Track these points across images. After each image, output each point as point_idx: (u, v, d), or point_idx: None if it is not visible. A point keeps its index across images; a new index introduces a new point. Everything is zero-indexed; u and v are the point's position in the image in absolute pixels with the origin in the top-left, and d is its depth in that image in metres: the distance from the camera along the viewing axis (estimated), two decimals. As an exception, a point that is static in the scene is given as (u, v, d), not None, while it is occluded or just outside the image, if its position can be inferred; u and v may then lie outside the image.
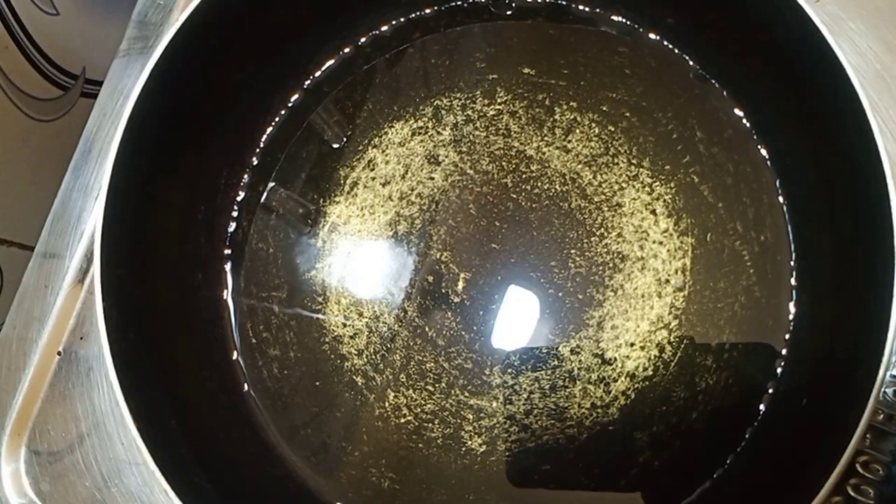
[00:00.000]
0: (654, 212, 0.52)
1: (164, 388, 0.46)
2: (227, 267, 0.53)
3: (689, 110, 0.53)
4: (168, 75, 0.47)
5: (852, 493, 0.48)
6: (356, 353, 0.51)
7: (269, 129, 0.56)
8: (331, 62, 0.56)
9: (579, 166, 0.53)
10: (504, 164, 0.53)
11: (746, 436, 0.48)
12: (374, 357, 0.51)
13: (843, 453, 0.39)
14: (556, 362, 0.50)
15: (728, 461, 0.47)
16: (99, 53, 0.64)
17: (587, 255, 0.51)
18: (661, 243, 0.51)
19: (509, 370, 0.50)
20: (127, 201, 0.46)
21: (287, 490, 0.49)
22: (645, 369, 0.49)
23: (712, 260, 0.51)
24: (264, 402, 0.51)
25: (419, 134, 0.55)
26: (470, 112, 0.55)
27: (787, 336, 0.49)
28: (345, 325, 0.52)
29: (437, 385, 0.50)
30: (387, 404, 0.50)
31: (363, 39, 0.56)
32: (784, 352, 0.49)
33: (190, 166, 0.51)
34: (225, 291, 0.53)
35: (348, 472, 0.49)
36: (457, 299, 0.51)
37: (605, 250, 0.51)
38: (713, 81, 0.53)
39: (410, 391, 0.50)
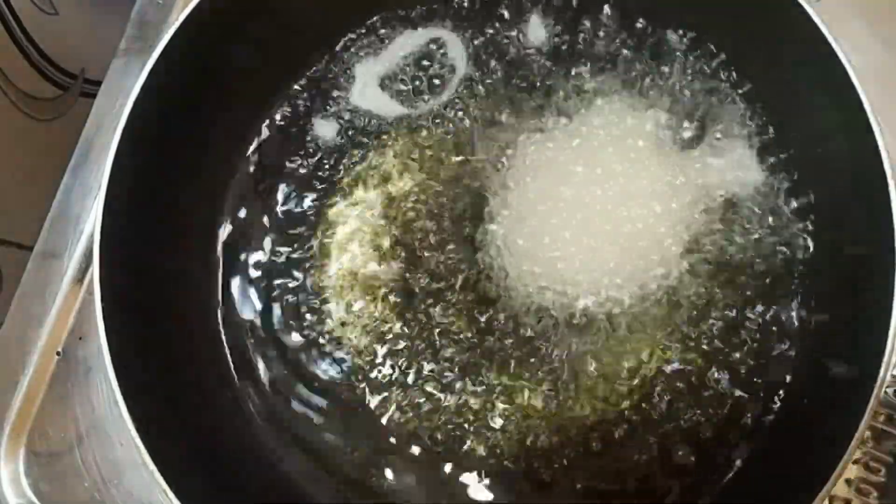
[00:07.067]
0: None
1: (163, 389, 0.46)
2: (227, 266, 0.53)
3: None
4: (167, 74, 0.47)
5: (854, 493, 0.48)
6: (356, 353, 0.51)
7: (269, 128, 0.56)
8: (331, 60, 0.56)
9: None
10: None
11: (748, 436, 0.48)
12: (374, 357, 0.51)
13: (844, 453, 0.39)
14: (558, 364, 0.49)
15: (731, 462, 0.47)
16: (98, 53, 0.64)
17: (587, 255, 0.51)
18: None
19: (509, 371, 0.50)
20: (126, 201, 0.46)
21: (287, 490, 0.49)
22: (647, 372, 0.49)
23: (712, 260, 0.51)
24: (263, 402, 0.51)
25: (419, 132, 0.55)
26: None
27: (787, 336, 0.49)
28: (344, 325, 0.52)
29: (437, 385, 0.50)
30: (386, 404, 0.50)
31: (365, 32, 0.56)
32: (784, 352, 0.49)
33: (189, 165, 0.51)
34: (224, 291, 0.53)
35: (348, 471, 0.49)
36: (457, 299, 0.51)
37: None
38: (713, 81, 0.53)
39: (411, 392, 0.50)
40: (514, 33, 0.55)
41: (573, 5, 0.55)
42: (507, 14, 0.56)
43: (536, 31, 0.55)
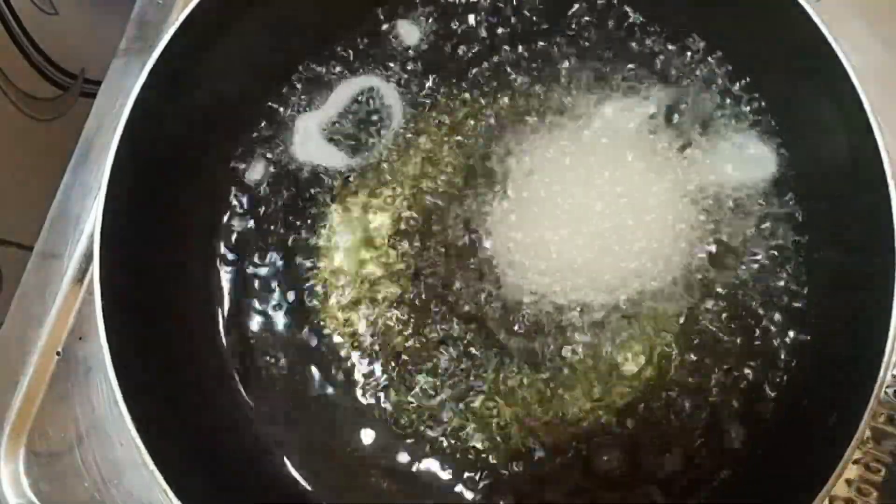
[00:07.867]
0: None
1: (163, 389, 0.46)
2: (227, 267, 0.53)
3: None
4: (167, 74, 0.47)
5: (854, 493, 0.48)
6: (356, 353, 0.51)
7: (270, 129, 0.56)
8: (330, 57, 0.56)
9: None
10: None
11: (747, 437, 0.48)
12: (373, 358, 0.51)
13: (844, 453, 0.39)
14: (556, 363, 0.49)
15: (730, 462, 0.47)
16: (98, 53, 0.64)
17: (587, 255, 0.51)
18: (661, 243, 0.51)
19: (510, 371, 0.50)
20: (126, 201, 0.46)
21: (286, 490, 0.49)
22: (647, 372, 0.49)
23: (712, 260, 0.51)
24: (263, 402, 0.51)
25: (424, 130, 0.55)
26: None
27: (787, 336, 0.49)
28: (343, 325, 0.52)
29: (436, 386, 0.50)
30: (386, 406, 0.50)
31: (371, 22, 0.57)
32: (784, 352, 0.49)
33: (189, 165, 0.51)
34: (224, 291, 0.53)
35: (348, 472, 0.49)
36: (455, 299, 0.51)
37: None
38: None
39: (411, 391, 0.50)
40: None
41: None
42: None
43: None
